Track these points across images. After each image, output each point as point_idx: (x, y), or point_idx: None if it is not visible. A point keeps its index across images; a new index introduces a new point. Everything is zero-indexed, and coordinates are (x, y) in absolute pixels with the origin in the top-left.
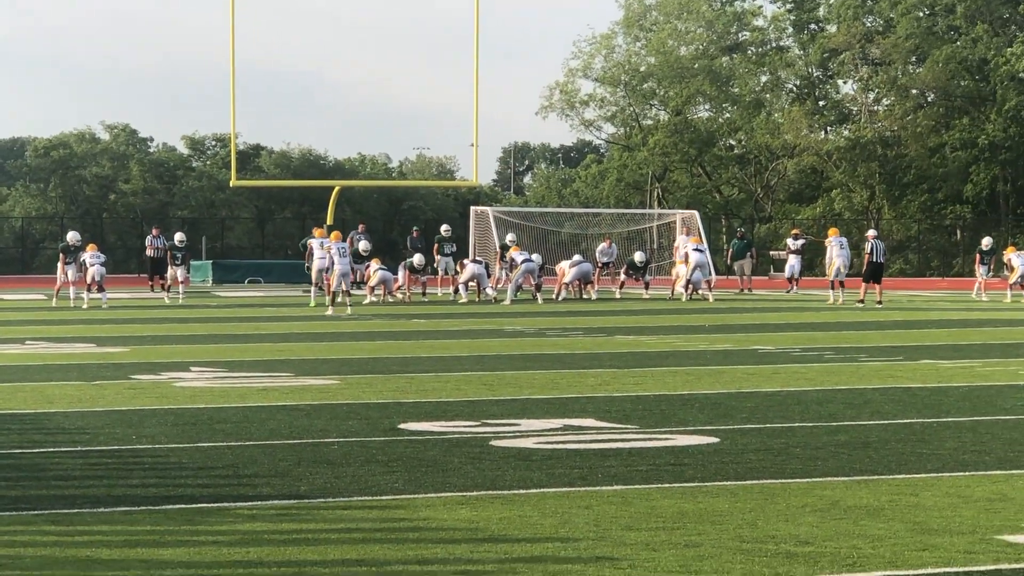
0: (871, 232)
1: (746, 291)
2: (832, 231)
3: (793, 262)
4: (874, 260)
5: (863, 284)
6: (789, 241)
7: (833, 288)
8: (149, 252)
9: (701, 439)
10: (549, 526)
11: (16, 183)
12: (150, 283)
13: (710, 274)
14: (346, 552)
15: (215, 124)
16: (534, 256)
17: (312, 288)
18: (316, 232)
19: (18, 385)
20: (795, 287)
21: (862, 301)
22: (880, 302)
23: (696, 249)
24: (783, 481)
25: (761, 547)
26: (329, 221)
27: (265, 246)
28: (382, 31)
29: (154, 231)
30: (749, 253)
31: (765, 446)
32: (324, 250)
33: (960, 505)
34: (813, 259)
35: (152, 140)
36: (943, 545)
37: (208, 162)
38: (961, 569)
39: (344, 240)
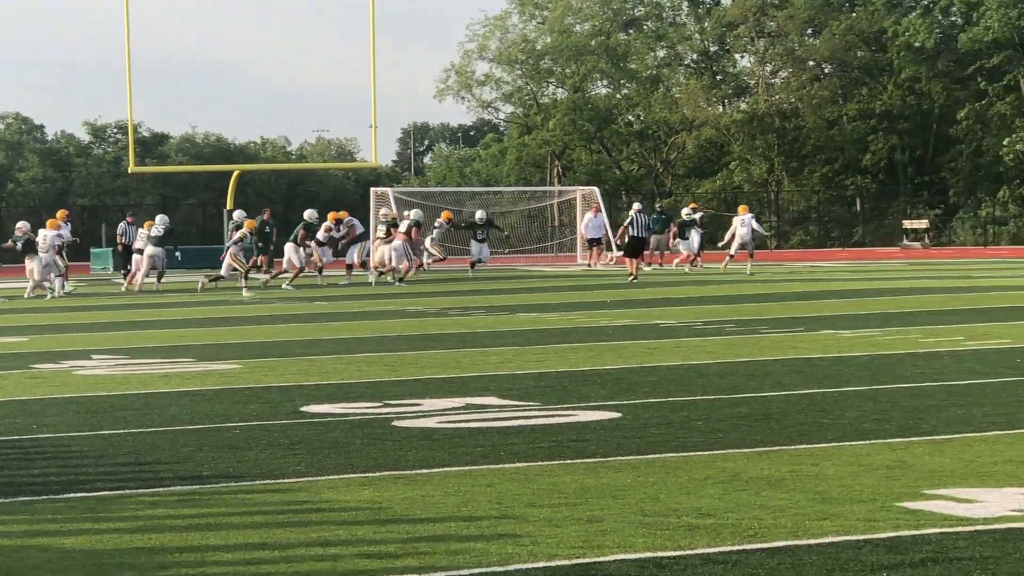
0: (636, 206)
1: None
2: (742, 208)
3: (693, 236)
4: (634, 235)
5: (628, 259)
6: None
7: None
8: (123, 240)
9: (603, 414)
10: (452, 505)
11: None
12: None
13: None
14: (248, 536)
15: (118, 112)
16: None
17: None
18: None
19: None
20: (698, 261)
21: (635, 276)
22: (635, 277)
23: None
24: (685, 454)
25: (663, 520)
26: (229, 206)
27: (170, 232)
28: (280, 13)
29: (128, 218)
30: (668, 228)
31: (667, 420)
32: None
33: (860, 474)
34: (714, 233)
35: (43, 127)
36: (844, 514)
37: (110, 149)
38: (861, 537)
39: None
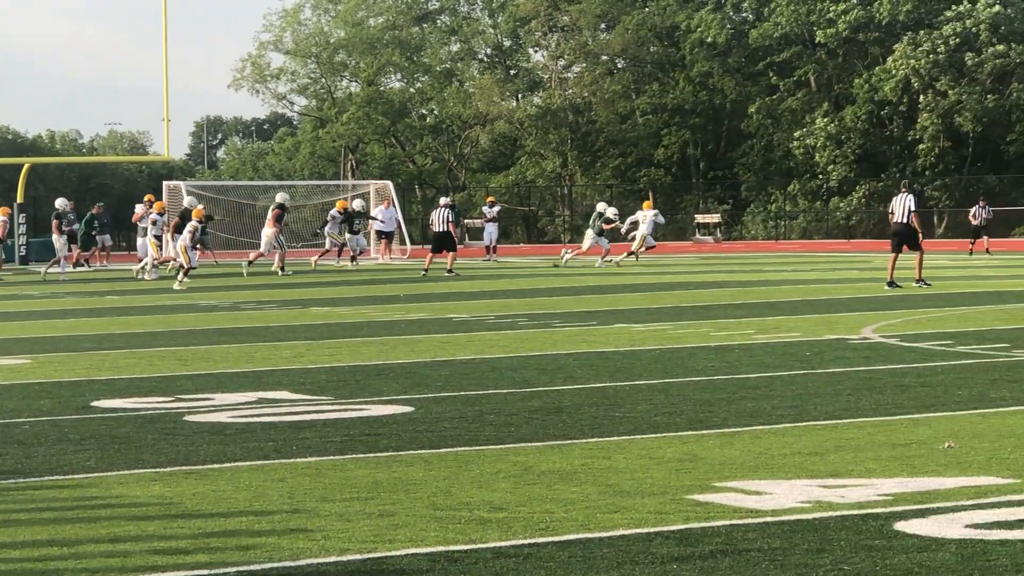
0: (443, 200)
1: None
2: (647, 204)
3: (491, 230)
4: (437, 231)
5: (430, 254)
6: (485, 209)
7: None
8: None
9: (396, 408)
10: (243, 500)
11: None
12: None
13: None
14: (37, 533)
15: None
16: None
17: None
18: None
19: None
20: (493, 255)
21: (426, 271)
22: (451, 270)
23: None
24: (477, 448)
25: (455, 514)
26: (20, 199)
27: None
28: (71, 3)
29: None
30: (459, 223)
31: (459, 414)
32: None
33: (651, 467)
34: (508, 227)
35: None
36: (635, 507)
37: None
38: (652, 529)
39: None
